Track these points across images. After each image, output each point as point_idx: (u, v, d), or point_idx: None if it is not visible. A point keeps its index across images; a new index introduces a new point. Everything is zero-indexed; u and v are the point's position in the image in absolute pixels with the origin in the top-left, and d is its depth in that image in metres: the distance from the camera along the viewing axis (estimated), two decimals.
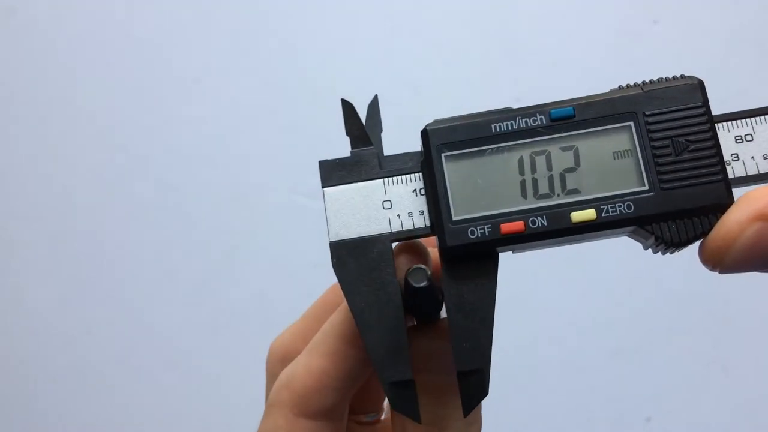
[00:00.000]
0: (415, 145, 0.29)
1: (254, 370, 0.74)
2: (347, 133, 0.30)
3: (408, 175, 0.29)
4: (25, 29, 0.83)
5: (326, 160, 0.29)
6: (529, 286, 0.71)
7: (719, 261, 0.26)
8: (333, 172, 0.29)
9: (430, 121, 0.28)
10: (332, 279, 0.29)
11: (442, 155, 0.28)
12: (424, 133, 0.28)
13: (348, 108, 0.30)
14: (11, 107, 0.82)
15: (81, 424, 0.76)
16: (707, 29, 0.77)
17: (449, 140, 0.28)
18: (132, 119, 0.80)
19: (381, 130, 0.30)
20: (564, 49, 0.77)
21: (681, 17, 0.78)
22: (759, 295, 0.71)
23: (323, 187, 0.29)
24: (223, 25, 0.81)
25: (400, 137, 0.33)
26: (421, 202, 0.29)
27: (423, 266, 0.27)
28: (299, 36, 0.80)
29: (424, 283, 0.27)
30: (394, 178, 0.29)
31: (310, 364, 0.29)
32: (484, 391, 0.27)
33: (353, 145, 0.30)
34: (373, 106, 0.30)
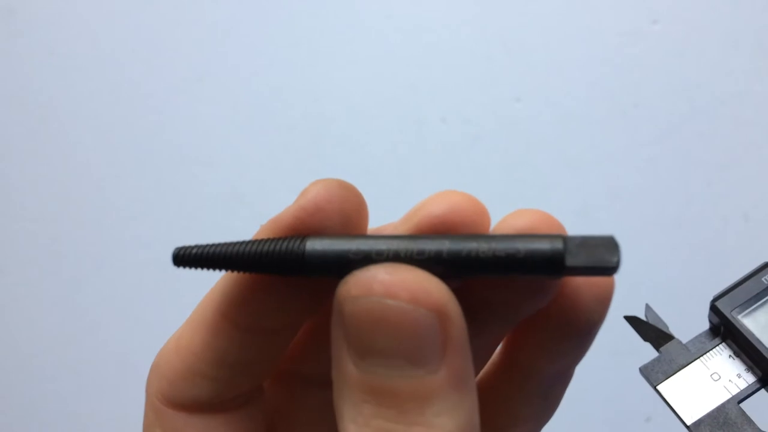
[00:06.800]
0: None
1: None
2: (644, 339, 0.36)
3: (715, 348, 0.35)
4: (26, 29, 0.84)
5: (644, 366, 0.35)
6: None
7: None
8: (655, 373, 0.35)
9: (711, 297, 0.35)
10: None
11: (738, 317, 0.34)
12: (715, 308, 0.35)
13: (634, 320, 0.37)
14: (11, 107, 0.83)
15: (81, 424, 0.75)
16: (707, 29, 0.79)
17: (736, 304, 0.34)
18: (132, 119, 0.81)
19: (666, 327, 0.36)
20: (562, 49, 0.79)
21: (681, 17, 0.80)
22: None
23: (655, 386, 0.35)
24: (226, 24, 0.83)
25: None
26: (738, 363, 0.34)
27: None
28: (300, 43, 0.83)
29: None
30: (705, 355, 0.35)
31: (179, 341, 0.23)
32: None
33: (656, 345, 0.36)
34: (649, 310, 0.37)
